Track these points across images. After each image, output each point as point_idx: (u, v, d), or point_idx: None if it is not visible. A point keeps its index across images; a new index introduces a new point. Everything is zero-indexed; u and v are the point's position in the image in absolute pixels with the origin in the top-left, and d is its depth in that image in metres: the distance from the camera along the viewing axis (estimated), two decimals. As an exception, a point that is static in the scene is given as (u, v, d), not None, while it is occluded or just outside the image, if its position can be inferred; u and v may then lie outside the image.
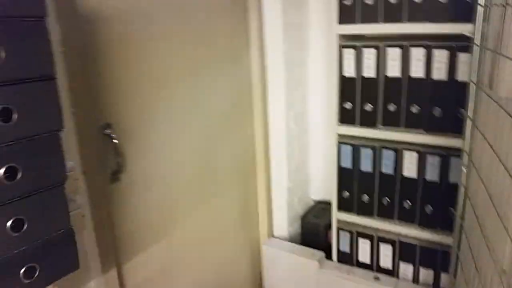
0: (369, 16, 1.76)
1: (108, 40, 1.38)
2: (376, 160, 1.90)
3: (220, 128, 1.92)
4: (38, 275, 0.73)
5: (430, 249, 1.88)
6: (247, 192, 2.18)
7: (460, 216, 1.50)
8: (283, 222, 2.31)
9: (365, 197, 1.98)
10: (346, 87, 1.89)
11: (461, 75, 1.65)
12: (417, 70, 1.74)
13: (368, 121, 1.88)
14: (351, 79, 1.86)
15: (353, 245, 2.08)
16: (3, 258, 0.68)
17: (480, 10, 1.45)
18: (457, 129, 1.68)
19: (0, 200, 0.66)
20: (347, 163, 1.98)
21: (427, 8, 1.65)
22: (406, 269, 1.98)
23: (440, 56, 1.68)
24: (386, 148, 1.88)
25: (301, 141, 2.33)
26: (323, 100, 2.33)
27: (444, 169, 1.76)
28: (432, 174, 1.81)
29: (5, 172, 0.66)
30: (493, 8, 1.28)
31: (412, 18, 1.68)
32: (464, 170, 1.53)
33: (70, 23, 1.21)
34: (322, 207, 2.41)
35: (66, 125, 1.16)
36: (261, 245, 2.27)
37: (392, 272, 2.01)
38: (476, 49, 1.50)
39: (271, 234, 2.32)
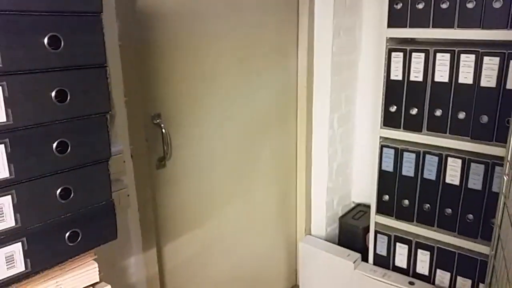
0: (419, 21, 1.76)
1: (163, 36, 1.48)
2: (419, 165, 1.89)
3: (264, 124, 1.98)
4: (80, 240, 0.83)
5: (469, 258, 1.84)
6: (286, 188, 2.23)
7: (498, 225, 1.46)
8: (321, 221, 2.33)
9: (405, 202, 1.96)
10: (393, 90, 1.89)
11: (511, 83, 1.60)
12: (466, 77, 1.71)
13: (412, 125, 1.87)
14: (398, 82, 1.86)
15: (390, 249, 2.07)
16: (52, 221, 0.78)
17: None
18: (503, 138, 1.64)
19: (52, 170, 0.76)
20: (388, 167, 1.98)
21: (479, 14, 1.62)
22: (443, 276, 1.95)
23: (491, 63, 1.64)
24: (430, 153, 1.86)
25: (344, 143, 2.35)
26: (369, 103, 2.32)
27: (488, 177, 1.72)
28: (475, 182, 1.77)
29: (57, 146, 0.76)
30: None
31: (463, 24, 1.66)
32: (505, 178, 1.49)
33: (128, 20, 1.32)
34: (362, 209, 2.41)
35: (118, 112, 1.28)
36: (298, 242, 2.31)
37: (429, 279, 1.99)
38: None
39: (308, 232, 2.35)
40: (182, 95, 1.58)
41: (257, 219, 2.07)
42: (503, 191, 1.46)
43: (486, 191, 1.75)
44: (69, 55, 0.73)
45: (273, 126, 2.04)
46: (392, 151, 1.95)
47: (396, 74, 1.86)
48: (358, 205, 2.50)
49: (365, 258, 2.15)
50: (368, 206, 2.21)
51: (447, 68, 1.75)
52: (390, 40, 1.86)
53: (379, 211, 2.06)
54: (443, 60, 1.75)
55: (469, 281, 1.88)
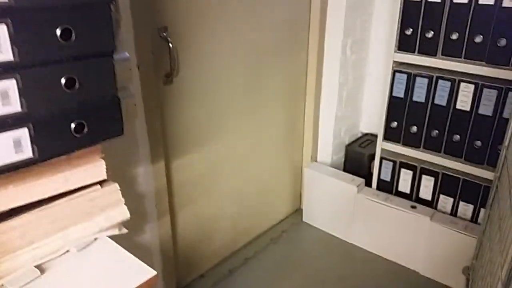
0: None
1: None
2: (430, 91, 1.86)
3: (274, 45, 1.94)
4: (86, 132, 0.84)
5: (473, 184, 1.87)
6: (295, 114, 2.22)
7: (505, 146, 1.46)
8: (328, 148, 2.35)
9: (414, 128, 1.96)
10: (410, 11, 1.82)
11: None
12: (487, -4, 1.63)
13: (427, 48, 1.83)
14: (415, 3, 1.79)
15: (395, 174, 2.09)
16: (58, 110, 0.79)
17: None
18: (520, 61, 1.59)
19: (57, 57, 0.76)
20: (399, 93, 1.95)
21: None
22: (445, 201, 1.98)
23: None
24: (443, 78, 1.82)
25: (356, 71, 2.30)
26: (385, 31, 2.24)
27: (500, 103, 1.70)
28: (486, 108, 1.76)
29: (61, 33, 0.74)
30: None
31: None
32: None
33: None
34: (369, 139, 2.42)
35: (124, 18, 1.25)
36: (304, 167, 2.33)
37: (431, 203, 2.03)
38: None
39: (314, 159, 2.37)
40: (190, 8, 1.54)
41: (264, 142, 2.08)
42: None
43: (496, 117, 1.73)
44: None
45: (284, 48, 2.00)
46: (405, 76, 1.91)
47: (414, -7, 1.78)
48: (366, 134, 2.50)
49: (368, 184, 2.18)
50: (376, 136, 2.21)
51: (468, -13, 1.67)
52: (410, -44, 1.76)
53: (386, 137, 2.06)
54: (464, -22, 1.67)
55: (471, 206, 1.92)
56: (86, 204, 0.99)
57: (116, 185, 1.03)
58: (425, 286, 1.96)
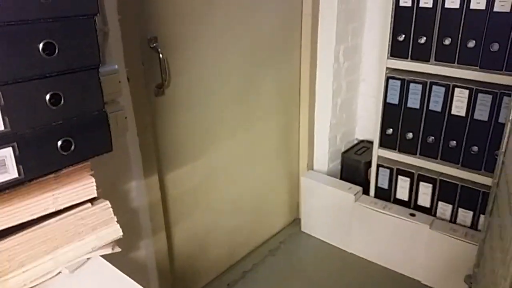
0: None
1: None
2: (425, 97, 1.85)
3: (267, 53, 1.92)
4: (73, 149, 0.81)
5: (472, 190, 1.85)
6: (289, 122, 2.20)
7: (502, 152, 1.44)
8: (324, 156, 2.33)
9: (409, 135, 1.94)
10: (401, 17, 1.82)
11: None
12: (478, 1, 1.64)
13: (420, 54, 1.82)
14: (407, 9, 1.79)
15: (392, 182, 2.07)
16: (44, 127, 0.76)
17: None
18: (514, 66, 1.59)
19: (40, 73, 0.73)
20: (394, 99, 1.94)
21: None
22: (444, 208, 1.96)
23: (506, -15, 1.56)
24: (437, 84, 1.81)
25: (349, 78, 2.29)
26: (377, 37, 2.24)
27: (495, 108, 1.69)
28: (481, 113, 1.74)
29: (44, 48, 0.72)
30: None
31: None
32: (514, 105, 1.45)
33: None
34: (365, 146, 2.40)
35: (112, 30, 1.23)
36: (300, 176, 2.31)
37: (430, 211, 2.01)
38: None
39: (311, 167, 2.35)
40: (180, 17, 1.52)
41: (259, 151, 2.06)
42: (510, 118, 1.43)
43: (492, 122, 1.72)
44: None
45: (276, 56, 1.98)
46: (398, 82, 1.90)
47: (406, 0, 1.77)
48: (362, 141, 2.48)
49: (366, 192, 2.16)
50: (372, 142, 2.19)
51: (459, -7, 1.66)
52: (400, -37, 1.76)
53: (382, 144, 2.04)
54: (455, -15, 1.67)
55: (471, 213, 1.89)
56: (76, 223, 0.96)
57: (107, 203, 1.00)
58: (426, 294, 1.93)
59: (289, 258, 2.16)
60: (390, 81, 1.93)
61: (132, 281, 0.92)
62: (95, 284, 0.92)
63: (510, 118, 1.39)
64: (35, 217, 0.89)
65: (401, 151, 1.99)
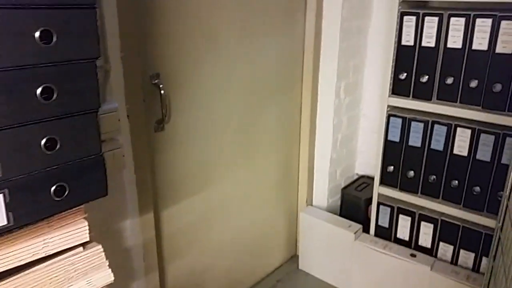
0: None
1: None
2: (426, 135, 1.83)
3: (267, 89, 1.92)
4: (67, 195, 0.78)
5: (474, 232, 1.81)
6: (289, 157, 2.17)
7: (506, 196, 1.41)
8: (323, 192, 2.29)
9: (410, 173, 1.91)
10: (403, 56, 1.82)
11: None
12: (480, 42, 1.64)
13: (422, 93, 1.81)
14: (409, 48, 1.79)
15: (393, 220, 2.03)
16: (37, 173, 0.73)
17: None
18: (517, 107, 1.57)
19: (37, 118, 0.71)
20: (395, 137, 1.92)
21: None
22: (445, 249, 1.92)
23: (508, 28, 1.57)
24: (438, 123, 1.80)
25: (350, 113, 2.28)
26: (378, 73, 2.24)
27: (498, 149, 1.67)
28: (484, 153, 1.72)
29: (42, 92, 0.70)
30: None
31: None
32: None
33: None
34: (366, 181, 2.37)
35: (114, 67, 1.22)
36: (299, 212, 2.27)
37: (431, 251, 1.96)
38: None
39: (310, 203, 2.31)
40: (182, 55, 1.51)
41: (258, 187, 2.03)
42: (514, 161, 1.41)
43: (495, 163, 1.69)
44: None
45: (277, 92, 1.97)
46: (400, 120, 1.89)
47: (408, 39, 1.78)
48: (362, 177, 2.45)
49: (366, 230, 2.11)
50: (372, 178, 2.17)
51: (461, 33, 1.67)
52: (403, 3, 1.77)
53: (383, 182, 2.01)
54: (457, 25, 1.67)
55: (472, 255, 1.85)
56: (67, 269, 0.91)
57: (100, 247, 0.96)
58: None
59: (286, 297, 2.10)
60: (392, 118, 1.91)
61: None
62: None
63: (515, 162, 1.37)
64: (23, 262, 0.85)
65: (402, 189, 1.96)
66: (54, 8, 0.68)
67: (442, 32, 1.70)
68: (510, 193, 1.39)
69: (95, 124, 0.80)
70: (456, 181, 1.80)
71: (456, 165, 1.79)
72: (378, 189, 2.02)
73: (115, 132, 1.17)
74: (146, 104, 1.40)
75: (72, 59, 0.73)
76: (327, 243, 2.15)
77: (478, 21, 1.62)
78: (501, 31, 1.57)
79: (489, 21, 1.59)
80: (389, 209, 2.03)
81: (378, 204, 2.05)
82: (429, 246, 1.96)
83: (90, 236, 0.95)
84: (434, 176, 1.86)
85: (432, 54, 1.74)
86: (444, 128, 1.79)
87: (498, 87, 1.63)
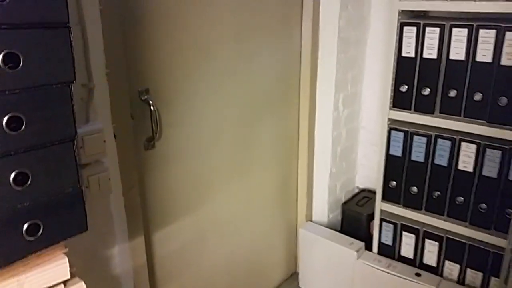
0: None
1: (152, 3, 1.33)
2: (430, 150, 1.76)
3: (263, 103, 1.85)
4: (42, 233, 0.71)
5: (481, 250, 1.73)
6: (287, 172, 2.10)
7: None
8: (323, 207, 2.22)
9: (414, 189, 1.84)
10: (404, 68, 1.75)
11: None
12: (484, 54, 1.58)
13: (424, 106, 1.74)
14: (409, 60, 1.72)
15: (396, 238, 1.96)
16: (6, 211, 0.66)
17: None
18: (525, 121, 1.50)
19: (3, 151, 0.63)
20: (397, 151, 1.85)
21: None
22: (452, 268, 1.84)
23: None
24: (442, 137, 1.73)
25: (349, 126, 2.21)
26: (377, 83, 2.18)
27: (504, 164, 1.60)
28: (490, 169, 1.65)
29: (8, 122, 0.63)
30: None
31: (484, -6, 1.50)
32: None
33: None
34: (367, 195, 2.29)
35: (98, 85, 1.15)
36: (298, 228, 2.19)
37: (436, 270, 1.88)
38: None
39: (309, 218, 2.24)
40: (173, 68, 1.45)
41: (255, 204, 1.95)
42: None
43: (502, 179, 1.62)
44: (20, 10, 0.60)
45: (273, 105, 1.90)
46: (401, 134, 1.82)
47: (408, 50, 1.71)
48: (363, 190, 2.37)
49: (369, 247, 2.03)
50: (373, 192, 2.09)
51: (464, 44, 1.60)
52: (402, 13, 1.71)
53: (385, 198, 1.93)
54: (459, 36, 1.61)
55: (480, 274, 1.77)
56: (45, 309, 0.84)
57: (82, 284, 0.88)
58: None
59: (286, 318, 2.02)
60: (393, 132, 1.84)
61: None
62: None
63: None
64: (-5, 305, 0.78)
65: (405, 205, 1.89)
66: (20, 29, 0.61)
67: (444, 43, 1.64)
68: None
69: (71, 154, 0.72)
70: (462, 198, 1.73)
71: (461, 181, 1.72)
72: (380, 205, 1.95)
73: (100, 155, 1.10)
74: (134, 122, 1.34)
75: (43, 84, 0.66)
76: (328, 261, 2.07)
77: (482, 32, 1.55)
78: (506, 42, 1.51)
79: (493, 32, 1.53)
80: (392, 226, 1.95)
81: (381, 220, 1.97)
82: (434, 264, 1.89)
83: (73, 270, 0.87)
84: (439, 192, 1.78)
85: (434, 66, 1.68)
86: (448, 143, 1.72)
87: (503, 100, 1.56)
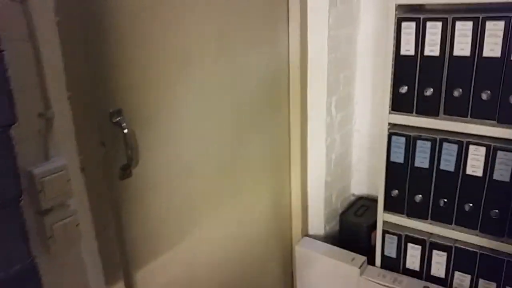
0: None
1: (120, 10, 1.14)
2: (435, 155, 1.62)
3: (251, 114, 1.68)
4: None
5: (494, 259, 1.61)
6: (279, 185, 1.94)
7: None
8: (319, 219, 2.06)
9: (418, 197, 1.70)
10: (403, 67, 1.61)
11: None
12: (492, 49, 1.45)
13: (427, 108, 1.60)
14: (409, 58, 1.57)
15: (401, 250, 1.82)
16: None
17: None
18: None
19: None
20: (398, 158, 1.70)
21: None
22: (462, 279, 1.71)
23: None
24: (448, 141, 1.59)
25: (343, 130, 2.06)
26: (369, 83, 2.04)
27: (519, 168, 1.46)
28: (502, 173, 1.52)
29: None
30: None
31: None
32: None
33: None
34: (364, 204, 2.15)
35: (59, 112, 0.95)
36: (294, 245, 2.03)
37: (445, 282, 1.75)
38: None
39: (305, 233, 2.08)
40: (148, 84, 1.26)
41: (247, 224, 1.78)
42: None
43: (515, 184, 1.49)
44: None
45: (262, 115, 1.73)
46: (403, 139, 1.67)
47: (407, 48, 1.57)
48: (360, 198, 2.23)
49: (371, 261, 1.89)
50: (371, 200, 1.95)
51: (469, 39, 1.46)
52: (399, 7, 1.56)
53: (388, 208, 1.79)
54: (464, 30, 1.47)
55: (494, 284, 1.65)
56: None
57: None
58: None
59: None
60: (393, 137, 1.69)
61: None
62: None
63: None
64: None
65: (409, 215, 1.75)
66: None
67: (447, 38, 1.49)
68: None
69: (18, 222, 0.54)
70: (471, 204, 1.60)
71: (470, 187, 1.58)
72: (382, 216, 1.81)
73: (64, 196, 0.91)
74: (106, 149, 1.15)
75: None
76: (328, 280, 1.92)
77: (489, 24, 1.42)
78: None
79: (501, 24, 1.39)
80: (396, 237, 1.81)
81: (384, 232, 1.83)
82: (443, 276, 1.76)
83: None
84: (445, 200, 1.65)
85: (437, 64, 1.53)
86: (455, 146, 1.58)
87: (514, 97, 1.43)
